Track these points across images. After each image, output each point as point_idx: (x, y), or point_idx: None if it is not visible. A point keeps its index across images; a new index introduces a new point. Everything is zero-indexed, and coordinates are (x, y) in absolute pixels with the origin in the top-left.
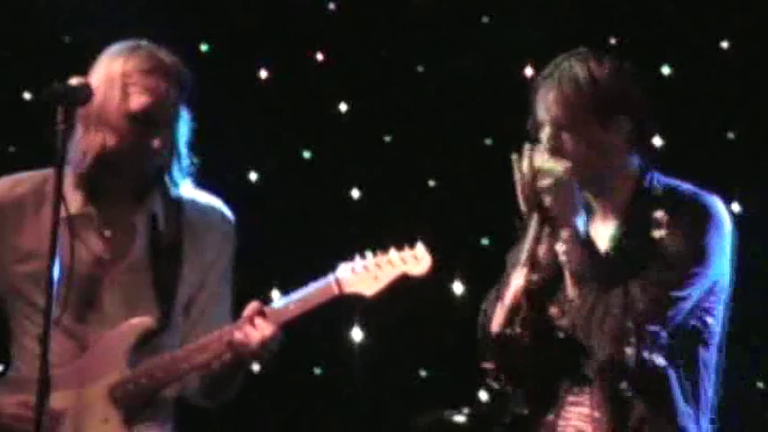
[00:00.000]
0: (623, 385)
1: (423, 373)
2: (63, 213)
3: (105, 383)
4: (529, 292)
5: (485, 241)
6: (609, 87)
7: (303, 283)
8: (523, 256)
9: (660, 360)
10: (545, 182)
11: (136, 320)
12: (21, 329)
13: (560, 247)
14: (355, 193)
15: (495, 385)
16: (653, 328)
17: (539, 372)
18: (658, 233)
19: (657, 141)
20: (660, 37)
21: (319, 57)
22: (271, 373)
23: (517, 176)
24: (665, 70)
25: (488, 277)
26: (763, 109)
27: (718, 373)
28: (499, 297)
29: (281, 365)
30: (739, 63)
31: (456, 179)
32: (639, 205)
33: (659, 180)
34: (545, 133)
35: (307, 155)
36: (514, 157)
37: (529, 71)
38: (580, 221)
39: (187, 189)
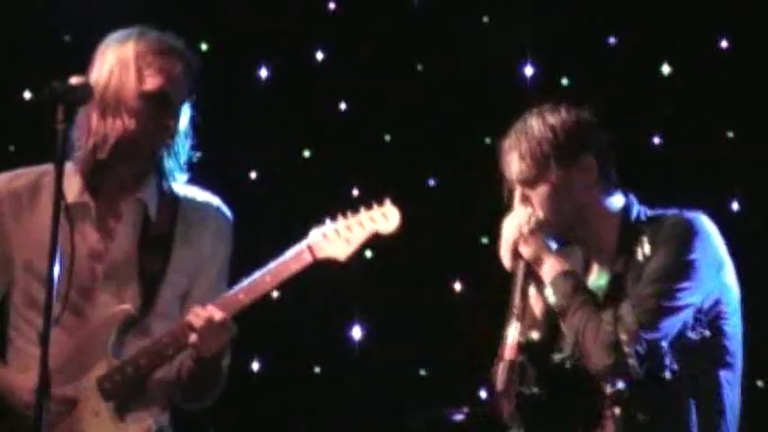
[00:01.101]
0: (639, 415)
1: (422, 372)
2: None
3: (93, 376)
4: (531, 348)
5: (484, 240)
6: (565, 130)
7: (302, 280)
8: (514, 310)
9: (667, 373)
10: (519, 232)
11: (116, 309)
12: (17, 331)
13: (548, 290)
14: (355, 192)
15: None
16: (648, 336)
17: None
18: (643, 255)
19: (657, 140)
20: (659, 36)
21: (319, 56)
22: (270, 370)
23: (501, 239)
24: (665, 69)
25: (488, 275)
26: (762, 107)
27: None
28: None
29: (279, 363)
30: (738, 62)
31: (455, 178)
32: (628, 245)
33: (645, 213)
34: (515, 193)
35: (307, 153)
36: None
37: (529, 70)
38: (554, 257)
39: (186, 186)
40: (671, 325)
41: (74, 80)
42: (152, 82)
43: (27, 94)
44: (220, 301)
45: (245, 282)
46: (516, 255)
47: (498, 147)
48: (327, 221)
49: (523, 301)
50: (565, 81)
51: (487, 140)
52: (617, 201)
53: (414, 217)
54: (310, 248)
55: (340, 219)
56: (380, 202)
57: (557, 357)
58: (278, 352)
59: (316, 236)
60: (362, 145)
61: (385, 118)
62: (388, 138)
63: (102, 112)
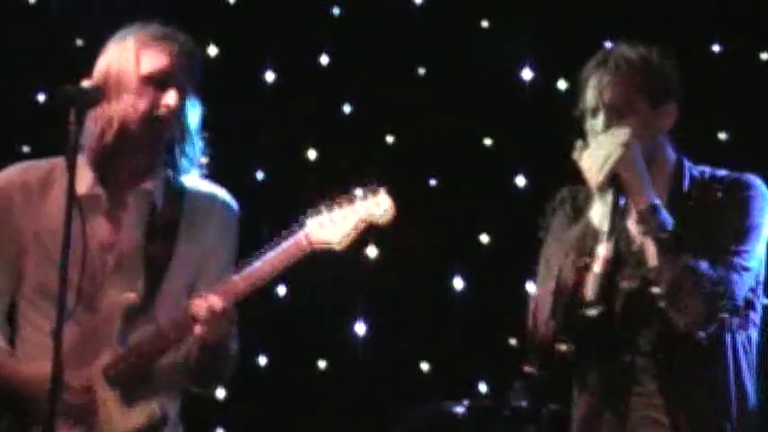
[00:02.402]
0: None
1: (424, 366)
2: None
3: (99, 365)
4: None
5: (484, 238)
6: (660, 70)
7: (307, 277)
8: (606, 228)
9: (751, 332)
10: (623, 153)
11: (120, 298)
12: (25, 320)
13: (636, 218)
14: (359, 192)
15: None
16: (738, 293)
17: (604, 343)
18: (714, 211)
19: None
20: (656, 39)
21: (324, 60)
22: (277, 365)
23: (585, 155)
24: None
25: (487, 273)
26: (754, 109)
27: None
28: (586, 268)
29: (286, 358)
30: (730, 64)
31: (456, 178)
32: (679, 193)
33: (696, 168)
34: (599, 118)
35: (312, 155)
36: (579, 143)
37: (528, 73)
38: (651, 188)
39: (193, 178)
40: (746, 283)
41: (85, 83)
42: (150, 64)
43: (41, 97)
44: (219, 289)
45: (243, 270)
46: (611, 178)
47: (585, 72)
48: (323, 210)
49: (613, 221)
50: (562, 84)
51: (487, 142)
52: (672, 157)
53: (416, 216)
54: (307, 237)
55: (336, 208)
56: (375, 192)
57: (626, 285)
58: (284, 347)
59: (312, 225)
60: (366, 146)
61: (387, 119)
62: (390, 139)
63: (107, 98)
